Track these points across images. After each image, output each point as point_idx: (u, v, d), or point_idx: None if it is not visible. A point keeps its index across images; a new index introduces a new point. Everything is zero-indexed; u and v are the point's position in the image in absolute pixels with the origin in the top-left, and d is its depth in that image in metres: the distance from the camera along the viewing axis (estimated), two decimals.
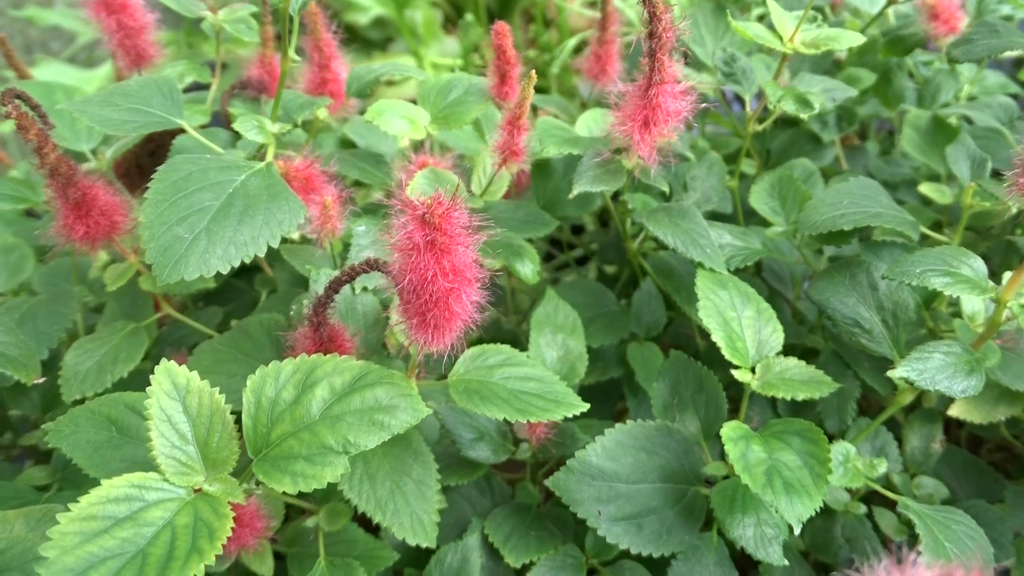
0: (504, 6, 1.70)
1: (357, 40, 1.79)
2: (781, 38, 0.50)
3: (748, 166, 0.74)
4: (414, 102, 0.58)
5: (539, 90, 1.25)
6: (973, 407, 0.51)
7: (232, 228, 0.41)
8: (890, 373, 0.41)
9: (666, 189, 0.51)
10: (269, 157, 0.48)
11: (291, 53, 0.47)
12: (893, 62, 0.73)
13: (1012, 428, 0.57)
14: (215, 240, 0.40)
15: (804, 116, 0.48)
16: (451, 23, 1.86)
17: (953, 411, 0.51)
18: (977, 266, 0.43)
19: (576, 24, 1.52)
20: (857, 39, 0.49)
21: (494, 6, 1.80)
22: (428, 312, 0.37)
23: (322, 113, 0.60)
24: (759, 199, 0.57)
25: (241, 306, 0.63)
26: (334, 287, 0.39)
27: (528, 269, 0.53)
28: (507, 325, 0.67)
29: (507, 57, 0.53)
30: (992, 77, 0.80)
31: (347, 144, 0.70)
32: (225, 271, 0.40)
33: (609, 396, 0.62)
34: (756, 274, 0.64)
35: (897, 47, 0.71)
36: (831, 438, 0.54)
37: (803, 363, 0.47)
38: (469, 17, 1.58)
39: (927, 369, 0.41)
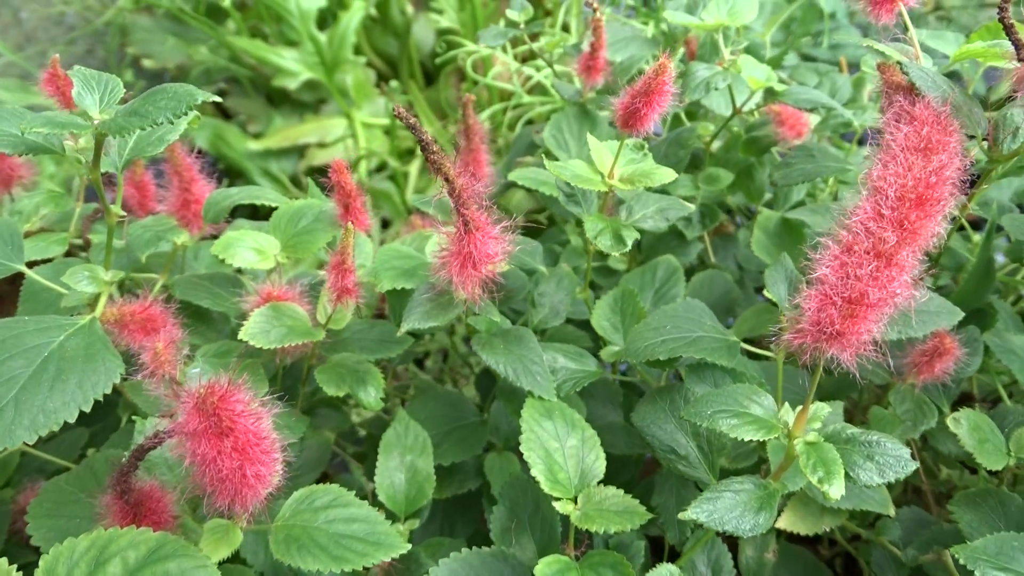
0: (437, 66, 1.73)
1: (288, 102, 1.81)
2: (602, 175, 0.53)
3: (619, 262, 0.77)
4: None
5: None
6: (799, 519, 0.53)
7: (43, 395, 0.42)
8: (681, 515, 0.43)
9: (497, 319, 0.53)
10: (98, 309, 0.49)
11: (117, 208, 0.48)
12: (754, 158, 0.76)
13: (845, 531, 0.60)
14: (23, 410, 0.41)
15: (616, 253, 0.51)
16: (386, 81, 1.89)
17: (781, 523, 0.54)
18: (767, 404, 0.46)
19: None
20: (669, 176, 0.52)
21: (429, 64, 1.84)
22: (219, 485, 0.38)
23: (182, 238, 0.61)
24: (601, 315, 0.59)
25: (108, 426, 0.64)
26: (137, 456, 0.41)
27: (371, 395, 0.55)
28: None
29: (347, 191, 0.55)
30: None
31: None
32: (32, 440, 0.41)
33: (474, 505, 0.64)
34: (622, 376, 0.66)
35: (752, 147, 0.75)
36: (672, 549, 0.56)
37: (621, 492, 0.49)
38: (395, 83, 1.61)
39: (716, 509, 0.43)
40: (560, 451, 0.49)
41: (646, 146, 0.56)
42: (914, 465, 0.43)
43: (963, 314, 0.50)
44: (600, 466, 0.50)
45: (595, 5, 0.68)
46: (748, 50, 0.98)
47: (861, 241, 0.40)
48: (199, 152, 1.99)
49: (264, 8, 1.65)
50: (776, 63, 0.84)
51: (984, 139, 0.49)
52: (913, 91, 0.47)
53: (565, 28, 1.78)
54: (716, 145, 0.81)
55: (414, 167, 1.66)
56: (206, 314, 0.60)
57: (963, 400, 0.69)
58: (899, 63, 0.47)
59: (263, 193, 0.60)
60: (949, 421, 0.50)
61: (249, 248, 0.56)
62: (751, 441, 0.44)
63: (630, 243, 0.51)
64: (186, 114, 0.39)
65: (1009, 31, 0.45)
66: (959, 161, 0.42)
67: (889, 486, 0.63)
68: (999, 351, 0.56)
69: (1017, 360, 0.57)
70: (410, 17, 1.79)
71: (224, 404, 0.36)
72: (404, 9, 1.78)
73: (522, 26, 0.81)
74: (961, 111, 0.46)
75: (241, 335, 0.50)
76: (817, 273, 0.41)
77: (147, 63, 1.87)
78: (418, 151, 1.70)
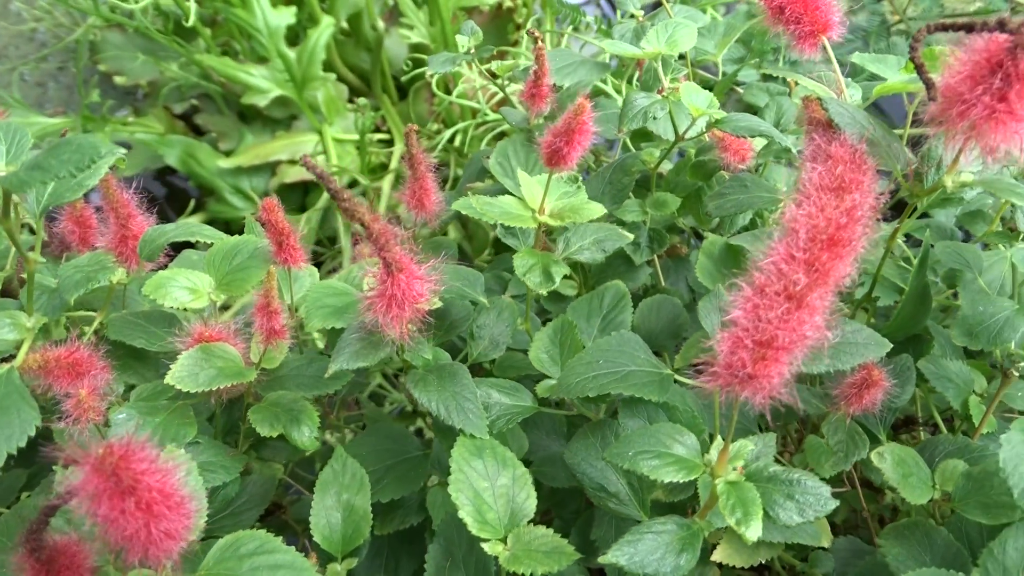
0: (410, 80, 1.73)
1: (260, 119, 1.81)
2: (533, 211, 0.53)
3: (569, 288, 0.77)
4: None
5: None
6: (735, 551, 0.53)
7: None
8: (601, 559, 0.43)
9: (428, 357, 0.53)
10: (20, 357, 0.48)
11: (36, 255, 0.48)
12: (703, 182, 0.77)
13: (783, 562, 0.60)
14: None
15: (543, 292, 0.51)
16: (359, 95, 1.88)
17: (716, 556, 0.54)
18: (690, 443, 0.46)
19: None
20: (598, 211, 0.52)
21: (402, 78, 1.84)
22: (127, 543, 0.38)
23: (119, 275, 0.61)
24: (540, 347, 0.59)
25: (45, 468, 0.63)
26: (46, 513, 0.40)
27: (304, 435, 0.54)
28: None
29: (278, 229, 0.55)
30: None
31: None
32: None
33: (418, 540, 0.63)
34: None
35: (699, 172, 0.75)
36: None
37: (551, 532, 0.49)
38: (363, 100, 1.61)
39: (637, 552, 0.43)
40: (490, 490, 0.49)
41: (580, 179, 0.56)
42: (834, 503, 0.43)
43: (890, 346, 0.50)
44: (531, 504, 0.50)
45: (537, 34, 0.68)
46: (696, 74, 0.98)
47: (772, 283, 0.40)
48: (170, 171, 1.95)
49: (234, 25, 1.65)
50: (726, 85, 0.85)
51: (904, 174, 0.49)
52: (832, 127, 0.47)
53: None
54: (668, 167, 0.81)
55: (386, 182, 1.66)
56: (144, 352, 0.59)
57: (908, 423, 0.70)
58: (819, 98, 0.48)
59: (199, 230, 0.60)
60: (873, 456, 0.50)
61: (182, 287, 0.56)
62: None
63: (558, 280, 0.51)
64: (90, 167, 0.39)
65: (919, 70, 0.45)
66: (872, 200, 0.43)
67: (835, 511, 0.64)
68: (933, 378, 0.56)
69: (952, 386, 0.57)
70: (381, 32, 1.78)
71: (125, 464, 0.36)
72: (375, 24, 1.78)
73: (472, 51, 0.81)
74: (880, 146, 0.46)
75: (168, 379, 0.50)
76: (731, 315, 0.41)
77: (119, 80, 1.87)
78: (391, 165, 1.70)
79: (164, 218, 1.94)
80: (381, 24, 1.79)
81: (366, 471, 0.59)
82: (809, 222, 0.41)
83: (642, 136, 0.86)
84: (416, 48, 1.77)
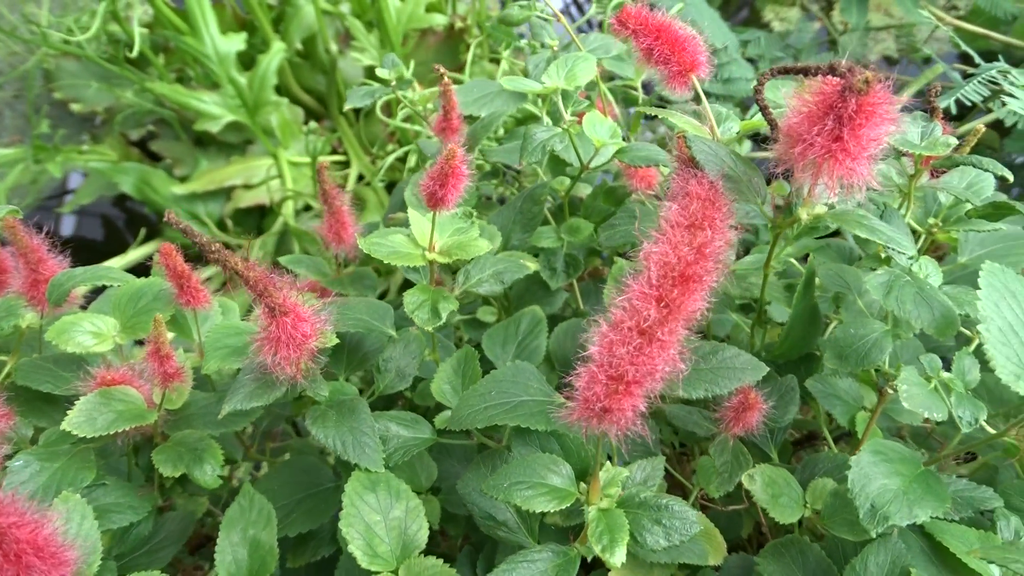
0: None
1: (215, 144, 1.82)
2: (423, 248, 0.54)
3: (489, 314, 0.79)
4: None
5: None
6: (629, 572, 0.55)
7: None
8: None
9: (325, 394, 0.54)
10: None
11: None
12: (615, 208, 0.79)
13: None
14: None
15: (429, 328, 0.53)
16: (316, 117, 1.90)
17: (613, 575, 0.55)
18: (565, 472, 0.47)
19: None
20: (484, 248, 0.54)
21: None
22: None
23: (28, 319, 0.62)
24: (443, 379, 0.60)
25: None
26: None
27: (207, 474, 0.55)
28: None
29: (178, 273, 0.56)
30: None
31: None
32: None
33: (332, 570, 0.64)
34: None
35: (611, 198, 0.77)
36: None
37: (440, 562, 0.50)
38: (313, 124, 1.62)
39: None
40: (382, 523, 0.51)
41: (473, 214, 0.58)
42: (698, 527, 0.45)
43: (767, 370, 0.52)
44: (423, 535, 0.51)
45: (441, 70, 0.70)
46: (629, 95, 1.01)
47: (626, 319, 0.42)
48: (129, 197, 1.93)
49: (186, 52, 1.66)
50: (646, 107, 0.87)
51: (780, 205, 0.51)
52: (697, 164, 0.49)
53: (495, 60, 1.81)
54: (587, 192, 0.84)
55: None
56: (54, 396, 0.60)
57: (811, 438, 0.72)
58: (684, 136, 0.50)
59: (107, 273, 0.61)
60: (744, 478, 0.52)
61: (86, 332, 0.57)
62: None
63: (445, 316, 0.53)
64: None
65: (764, 111, 0.47)
66: (725, 236, 0.45)
67: (738, 525, 0.65)
68: (820, 396, 0.59)
69: (840, 403, 0.59)
70: (335, 55, 1.80)
71: None
72: (329, 47, 1.80)
73: (393, 83, 0.83)
74: (740, 182, 0.48)
75: (64, 425, 0.51)
76: (589, 350, 0.43)
77: (75, 107, 1.87)
78: (348, 187, 1.71)
79: (123, 244, 1.92)
80: (335, 47, 1.81)
81: (278, 505, 0.61)
82: (661, 259, 0.43)
83: (564, 163, 0.88)
84: (370, 70, 1.79)
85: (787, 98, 0.45)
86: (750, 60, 1.24)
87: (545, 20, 0.81)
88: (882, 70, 1.57)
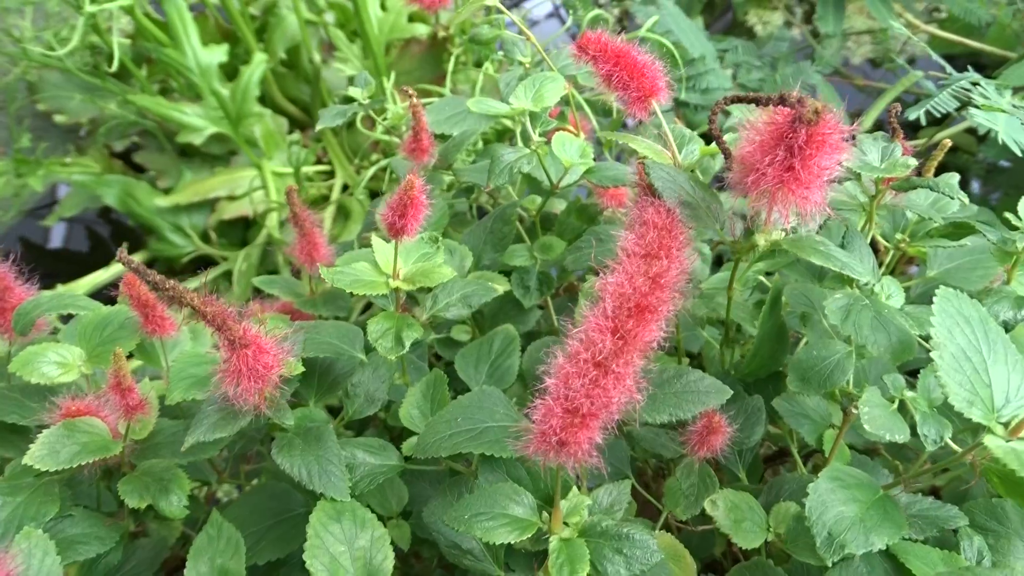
0: None
1: (199, 155, 1.81)
2: (387, 276, 0.54)
3: (463, 332, 0.79)
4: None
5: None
6: None
7: None
8: None
9: (291, 423, 0.54)
10: None
11: None
12: (587, 225, 0.79)
13: None
14: None
15: (392, 357, 0.53)
16: (301, 127, 1.90)
17: None
18: (527, 502, 0.47)
19: None
20: (448, 275, 0.54)
21: None
22: None
23: None
24: (411, 403, 0.60)
25: None
26: None
27: (173, 504, 0.55)
28: None
29: (142, 301, 0.56)
30: None
31: None
32: None
33: None
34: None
35: (584, 216, 0.77)
36: None
37: None
38: (296, 136, 1.62)
39: None
40: (347, 554, 0.51)
41: (439, 239, 0.58)
42: (659, 556, 0.45)
43: (731, 393, 0.52)
44: (388, 565, 0.51)
45: (410, 91, 0.70)
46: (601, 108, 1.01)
47: (582, 351, 0.42)
48: (109, 210, 1.93)
49: (168, 63, 1.65)
50: (615, 125, 0.87)
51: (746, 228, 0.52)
52: (656, 191, 0.49)
53: (478, 64, 1.80)
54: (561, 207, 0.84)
55: (328, 214, 1.67)
56: (20, 427, 0.60)
57: (782, 454, 0.72)
58: (643, 162, 0.50)
59: (73, 302, 0.61)
60: (707, 504, 0.52)
61: (51, 362, 0.57)
62: None
63: (408, 344, 0.53)
64: None
65: (717, 140, 0.47)
66: (682, 264, 0.45)
67: (710, 544, 0.66)
68: (787, 415, 0.59)
69: (807, 422, 0.59)
70: (319, 64, 1.80)
71: None
72: (312, 57, 1.80)
73: (365, 101, 0.83)
74: (699, 209, 0.48)
75: (26, 459, 0.51)
76: (545, 383, 0.43)
77: (59, 119, 1.86)
78: (333, 197, 1.71)
79: (109, 256, 1.92)
80: (318, 57, 1.81)
81: (247, 532, 0.61)
82: (616, 290, 0.43)
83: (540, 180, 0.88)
84: (352, 80, 1.78)
85: (740, 128, 0.45)
86: (737, 65, 1.24)
87: (518, 36, 0.81)
88: (860, 75, 1.58)
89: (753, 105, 0.44)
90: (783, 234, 0.48)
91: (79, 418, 0.54)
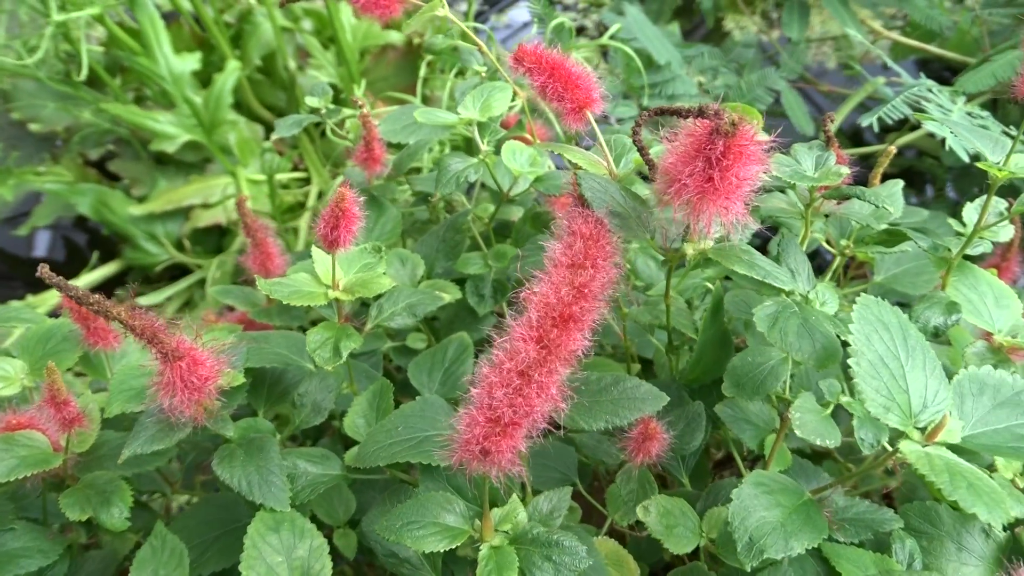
0: None
1: (174, 163, 1.81)
2: (327, 286, 0.55)
3: (419, 341, 0.79)
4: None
5: None
6: None
7: None
8: None
9: (231, 434, 0.54)
10: None
11: None
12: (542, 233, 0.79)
13: None
14: None
15: (329, 368, 0.53)
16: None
17: None
18: (460, 510, 0.48)
19: None
20: (387, 285, 0.55)
21: None
22: None
23: None
24: (357, 413, 0.60)
25: None
26: None
27: (115, 516, 0.55)
28: None
29: (82, 314, 0.56)
30: None
31: None
32: None
33: None
34: None
35: (538, 223, 0.78)
36: None
37: None
38: (268, 144, 1.62)
39: None
40: (284, 564, 0.51)
41: (382, 249, 0.58)
42: (588, 562, 0.45)
43: (667, 399, 0.53)
44: (326, 573, 0.51)
45: (361, 102, 0.70)
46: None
47: (506, 361, 0.43)
48: (86, 219, 1.92)
49: (140, 72, 1.65)
50: (570, 139, 0.88)
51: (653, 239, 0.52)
52: (586, 202, 0.50)
53: (461, 73, 1.81)
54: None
55: (303, 221, 1.67)
56: None
57: (727, 462, 0.73)
58: (576, 172, 0.50)
59: (17, 314, 0.61)
60: (639, 510, 0.52)
61: None
62: None
63: (345, 355, 0.53)
64: None
65: (641, 152, 0.48)
66: (609, 274, 0.45)
67: (659, 548, 0.66)
68: (729, 421, 0.59)
69: (750, 427, 0.60)
70: (294, 71, 1.80)
71: None
72: (287, 64, 1.80)
73: (323, 111, 0.83)
74: (629, 219, 0.49)
75: None
76: (471, 392, 0.43)
77: (34, 127, 1.86)
78: (308, 203, 1.71)
79: (83, 265, 1.89)
80: (293, 63, 1.81)
81: (192, 543, 0.61)
82: (541, 300, 0.44)
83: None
84: (331, 87, 1.79)
85: (664, 140, 0.45)
86: (702, 71, 1.25)
87: (472, 46, 0.82)
88: (838, 81, 1.59)
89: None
90: (711, 243, 0.48)
91: (18, 431, 0.54)
